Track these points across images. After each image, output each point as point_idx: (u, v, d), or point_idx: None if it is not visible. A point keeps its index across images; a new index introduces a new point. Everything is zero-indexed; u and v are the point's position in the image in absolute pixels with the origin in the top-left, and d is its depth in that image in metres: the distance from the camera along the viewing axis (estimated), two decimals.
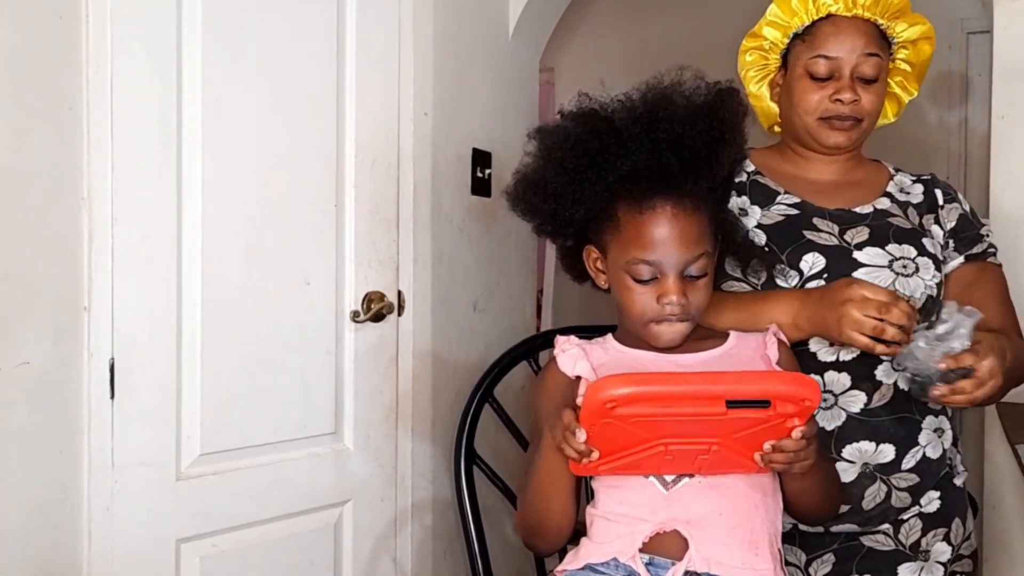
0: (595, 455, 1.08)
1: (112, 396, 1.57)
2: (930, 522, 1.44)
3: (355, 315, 1.91)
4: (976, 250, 1.50)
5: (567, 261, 1.35)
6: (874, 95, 1.46)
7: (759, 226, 1.45)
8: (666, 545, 1.17)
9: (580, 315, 3.68)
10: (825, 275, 1.38)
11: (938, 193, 1.53)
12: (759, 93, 1.59)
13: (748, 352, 1.25)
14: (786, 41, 1.51)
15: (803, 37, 1.49)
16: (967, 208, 1.54)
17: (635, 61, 3.39)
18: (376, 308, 1.93)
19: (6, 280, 1.44)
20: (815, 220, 1.45)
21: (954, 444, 1.48)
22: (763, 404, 1.03)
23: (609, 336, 1.30)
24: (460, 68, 2.20)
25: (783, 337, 1.28)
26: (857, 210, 1.48)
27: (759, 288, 1.42)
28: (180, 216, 1.65)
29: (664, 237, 1.17)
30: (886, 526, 1.43)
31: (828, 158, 1.53)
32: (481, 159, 2.29)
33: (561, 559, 1.27)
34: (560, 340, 1.28)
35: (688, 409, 1.02)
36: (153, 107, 1.60)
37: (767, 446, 1.08)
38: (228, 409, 1.73)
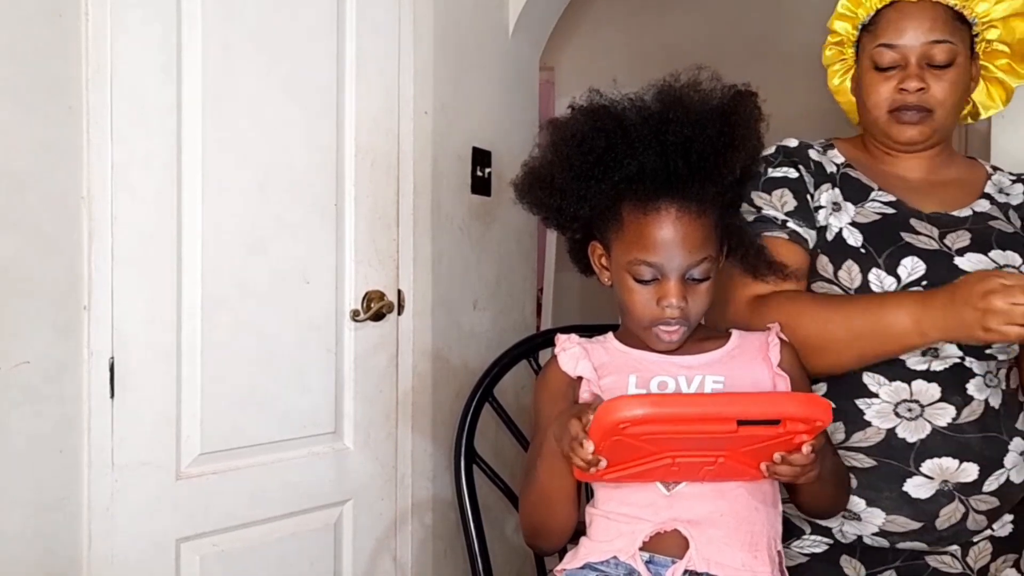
0: (603, 464, 1.08)
1: (112, 395, 1.57)
2: (1001, 547, 1.36)
3: (355, 314, 1.91)
4: None
5: (574, 253, 1.34)
6: (946, 83, 1.36)
7: (854, 224, 1.37)
8: (666, 544, 1.17)
9: (580, 314, 3.68)
10: (924, 282, 1.30)
11: None
12: (840, 88, 1.52)
13: (750, 353, 1.24)
14: (856, 33, 1.45)
15: (868, 27, 1.42)
16: None
17: (635, 60, 3.39)
18: (376, 307, 1.93)
19: (6, 279, 1.44)
20: (912, 221, 1.37)
21: None
22: (774, 422, 1.03)
23: (610, 335, 1.30)
24: (460, 67, 2.20)
25: (785, 337, 1.28)
26: (955, 213, 1.39)
27: (851, 291, 1.33)
28: (180, 215, 1.65)
29: (667, 240, 1.16)
30: (955, 548, 1.36)
31: (917, 155, 1.44)
32: (481, 158, 2.29)
33: (561, 558, 1.27)
34: (561, 339, 1.28)
35: (699, 428, 1.02)
36: (153, 106, 1.60)
37: (776, 457, 1.08)
38: (228, 408, 1.73)
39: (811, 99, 1.63)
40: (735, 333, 1.27)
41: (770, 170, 1.43)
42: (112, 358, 1.57)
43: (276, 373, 1.80)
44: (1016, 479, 1.33)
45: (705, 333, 1.27)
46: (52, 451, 1.52)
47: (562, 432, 1.10)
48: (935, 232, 1.35)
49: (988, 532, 1.36)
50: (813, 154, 1.46)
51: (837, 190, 1.41)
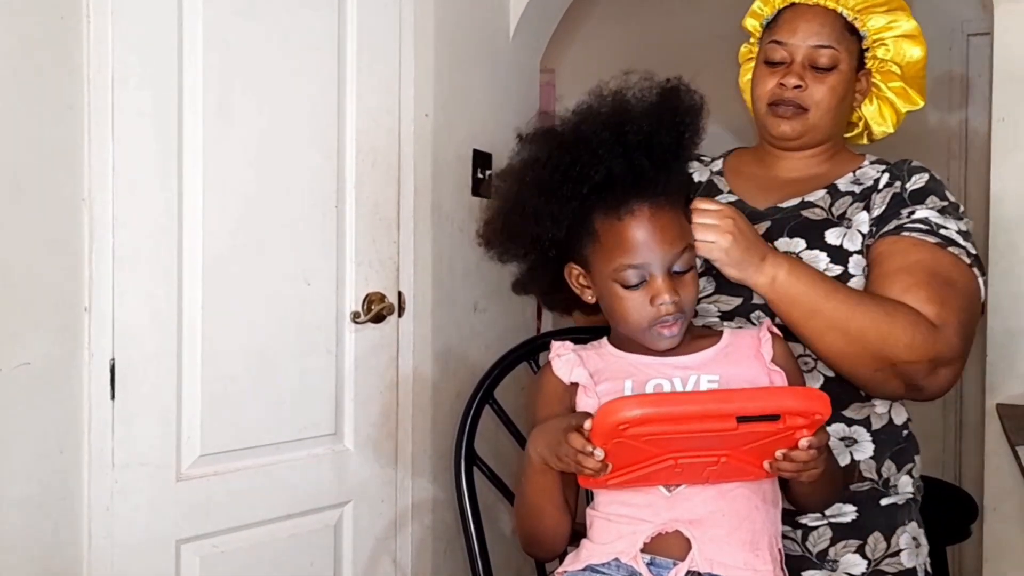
0: (609, 468, 1.08)
1: (112, 396, 1.57)
2: (841, 533, 1.38)
3: (355, 316, 1.91)
4: (890, 226, 1.38)
5: (549, 298, 1.35)
6: (825, 86, 1.45)
7: None
8: (667, 545, 1.17)
9: None
10: (713, 271, 1.39)
11: (884, 178, 1.45)
12: (745, 85, 1.60)
13: (743, 350, 1.25)
14: (761, 31, 1.54)
15: (769, 25, 1.51)
16: (914, 188, 1.41)
17: (636, 61, 3.36)
18: (376, 309, 1.93)
19: (7, 280, 1.44)
20: None
21: (895, 460, 1.42)
22: (773, 417, 1.03)
23: (604, 340, 1.30)
24: (460, 69, 2.20)
25: (777, 331, 1.28)
26: (783, 204, 1.46)
27: None
28: (180, 216, 1.65)
29: (646, 239, 1.18)
30: (786, 528, 1.37)
31: (797, 155, 1.51)
32: (481, 160, 2.29)
33: (561, 560, 1.27)
34: (555, 345, 1.28)
35: (699, 426, 1.03)
36: (153, 107, 1.61)
37: (778, 454, 1.08)
38: (228, 409, 1.73)
39: None
40: (727, 331, 1.28)
41: None
42: (113, 359, 1.57)
43: (277, 375, 1.80)
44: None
45: (697, 332, 1.27)
46: (52, 452, 1.52)
47: (559, 446, 1.10)
48: None
49: (821, 518, 1.38)
50: (689, 164, 1.57)
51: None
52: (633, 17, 3.61)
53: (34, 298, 1.48)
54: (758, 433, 1.05)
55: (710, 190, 1.55)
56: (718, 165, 1.59)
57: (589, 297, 1.27)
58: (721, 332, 1.27)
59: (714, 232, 1.25)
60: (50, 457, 1.51)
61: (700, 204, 1.27)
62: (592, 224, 1.21)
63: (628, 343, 1.25)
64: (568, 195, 1.20)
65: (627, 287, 1.19)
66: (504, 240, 1.30)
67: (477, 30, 2.28)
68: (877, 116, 1.55)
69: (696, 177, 1.58)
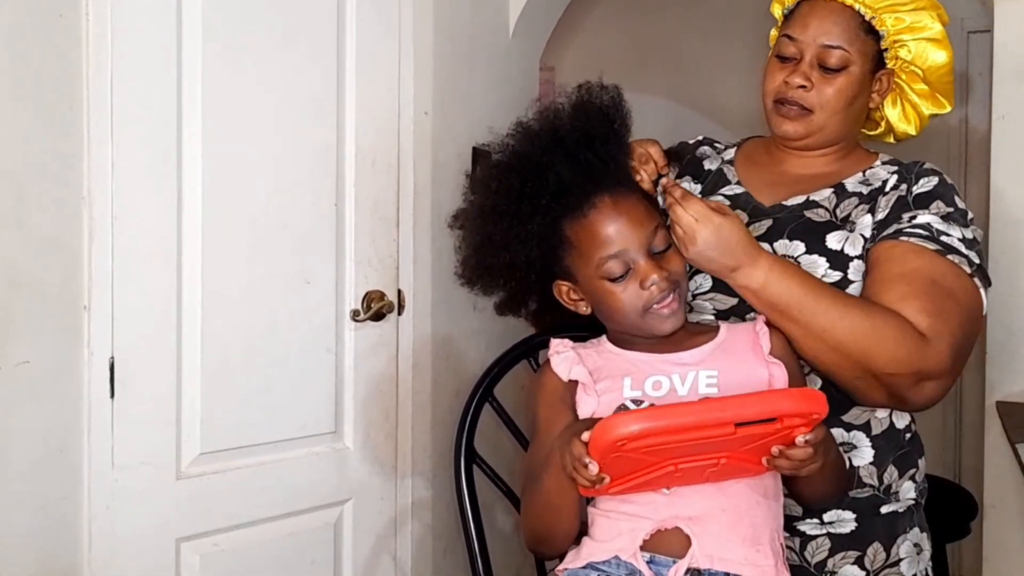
0: (606, 481, 1.09)
1: (112, 395, 1.57)
2: (840, 543, 1.36)
3: (355, 314, 1.91)
4: (889, 230, 1.33)
5: (540, 319, 1.38)
6: (833, 88, 1.39)
7: None
8: (667, 542, 1.17)
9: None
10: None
11: (892, 180, 1.39)
12: None
13: (741, 344, 1.25)
14: (782, 19, 1.50)
15: (788, 16, 1.46)
16: (920, 192, 1.37)
17: (635, 60, 3.38)
18: (376, 307, 1.93)
19: (6, 279, 1.44)
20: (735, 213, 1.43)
21: (897, 466, 1.38)
22: (771, 419, 1.04)
23: (603, 338, 1.30)
24: (460, 67, 2.20)
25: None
26: (787, 202, 1.42)
27: None
28: (180, 215, 1.65)
29: (618, 227, 1.20)
30: (784, 534, 1.34)
31: (806, 153, 1.46)
32: (481, 159, 2.29)
33: (562, 558, 1.27)
34: (554, 343, 1.29)
35: (697, 435, 1.03)
36: (153, 106, 1.61)
37: (774, 451, 1.09)
38: (228, 408, 1.73)
39: None
40: (723, 325, 1.29)
41: None
42: (112, 358, 1.57)
43: (276, 373, 1.80)
44: None
45: (695, 328, 1.28)
46: (52, 451, 1.52)
47: (565, 452, 1.10)
48: (744, 221, 1.39)
49: (821, 527, 1.36)
50: (702, 151, 1.56)
51: (698, 185, 1.50)
52: (632, 15, 3.61)
53: (34, 297, 1.48)
54: (756, 435, 1.05)
55: (719, 179, 1.50)
56: (730, 154, 1.54)
57: (584, 309, 1.29)
58: (718, 327, 1.28)
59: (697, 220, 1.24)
60: (50, 456, 1.52)
61: (676, 192, 1.27)
62: (562, 233, 1.23)
63: (627, 341, 1.26)
64: (529, 213, 1.23)
65: (614, 280, 1.21)
66: (483, 275, 1.32)
67: (476, 28, 2.28)
68: (900, 118, 1.49)
69: (707, 165, 1.54)
